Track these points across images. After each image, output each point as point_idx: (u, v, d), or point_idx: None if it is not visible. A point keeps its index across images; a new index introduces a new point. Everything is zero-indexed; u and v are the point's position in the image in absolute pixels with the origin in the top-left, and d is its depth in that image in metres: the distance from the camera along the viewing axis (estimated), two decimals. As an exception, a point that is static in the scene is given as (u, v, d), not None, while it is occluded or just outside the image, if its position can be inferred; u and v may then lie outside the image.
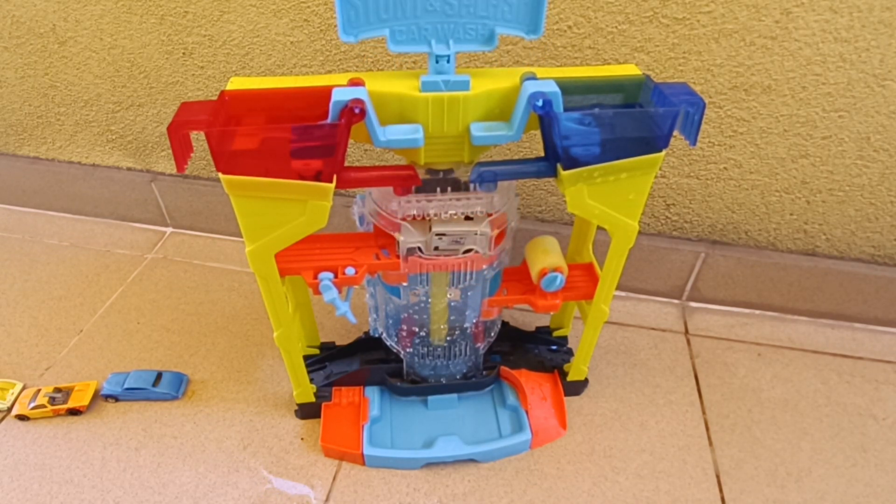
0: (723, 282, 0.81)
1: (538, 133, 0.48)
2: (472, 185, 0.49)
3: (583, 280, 0.61)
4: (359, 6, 0.41)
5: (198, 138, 0.78)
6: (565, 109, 0.44)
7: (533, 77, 0.45)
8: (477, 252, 0.53)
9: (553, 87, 0.43)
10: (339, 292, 0.53)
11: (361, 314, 0.75)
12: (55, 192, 0.99)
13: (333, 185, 0.45)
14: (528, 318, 0.80)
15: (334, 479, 0.62)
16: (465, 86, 0.43)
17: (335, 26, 0.69)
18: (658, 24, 0.62)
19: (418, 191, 0.50)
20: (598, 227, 0.58)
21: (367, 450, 0.62)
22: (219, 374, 0.74)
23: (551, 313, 0.76)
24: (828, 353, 0.77)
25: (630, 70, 0.49)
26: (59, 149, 0.95)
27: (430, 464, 0.63)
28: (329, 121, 0.42)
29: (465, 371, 0.68)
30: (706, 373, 0.74)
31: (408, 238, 0.51)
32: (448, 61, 0.43)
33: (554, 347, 0.74)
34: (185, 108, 0.44)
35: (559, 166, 0.46)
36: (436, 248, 0.52)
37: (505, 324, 0.72)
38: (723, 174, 0.72)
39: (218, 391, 0.72)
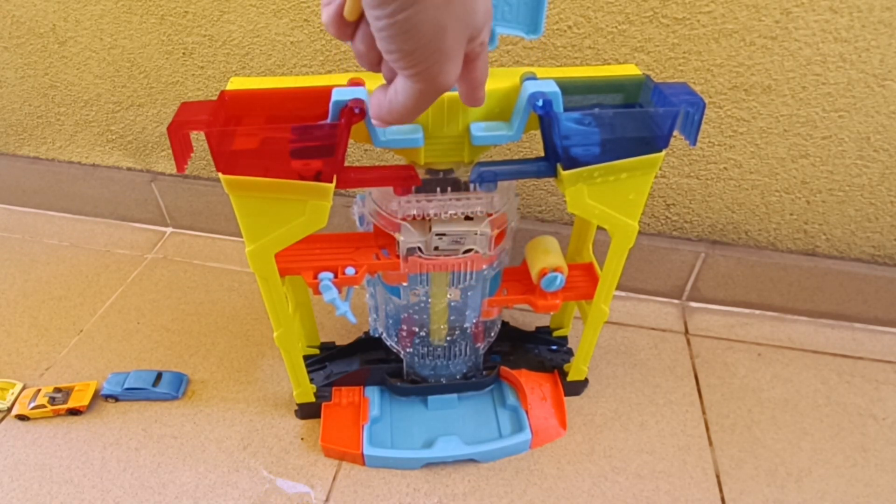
0: (723, 282, 0.81)
1: (538, 133, 0.48)
2: (472, 185, 0.49)
3: (583, 280, 0.61)
4: (359, 6, 0.41)
5: (198, 138, 0.78)
6: (565, 109, 0.44)
7: (533, 77, 0.45)
8: (477, 252, 0.53)
9: (553, 87, 0.43)
10: (339, 292, 0.53)
11: (361, 314, 0.75)
12: (55, 192, 0.99)
13: (333, 185, 0.45)
14: (528, 318, 0.80)
15: (334, 479, 0.62)
16: (465, 86, 0.43)
17: None
18: (658, 24, 0.62)
19: (418, 191, 0.50)
20: (598, 227, 0.58)
21: (367, 450, 0.62)
22: (219, 374, 0.74)
23: (551, 313, 0.76)
24: (828, 353, 0.77)
25: (630, 70, 0.49)
26: (59, 149, 0.95)
27: (430, 464, 0.63)
28: (329, 121, 0.42)
29: (465, 371, 0.68)
30: (706, 373, 0.74)
31: (408, 238, 0.51)
32: (448, 61, 0.43)
33: (554, 347, 0.74)
34: (185, 108, 0.44)
35: (559, 166, 0.46)
36: (436, 248, 0.52)
37: (505, 324, 0.72)
38: (723, 174, 0.72)
39: (218, 391, 0.72)
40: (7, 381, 0.71)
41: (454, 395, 0.68)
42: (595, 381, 0.72)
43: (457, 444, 0.63)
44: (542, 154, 0.48)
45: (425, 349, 0.64)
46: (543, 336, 0.75)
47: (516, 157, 0.74)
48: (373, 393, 0.67)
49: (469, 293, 0.58)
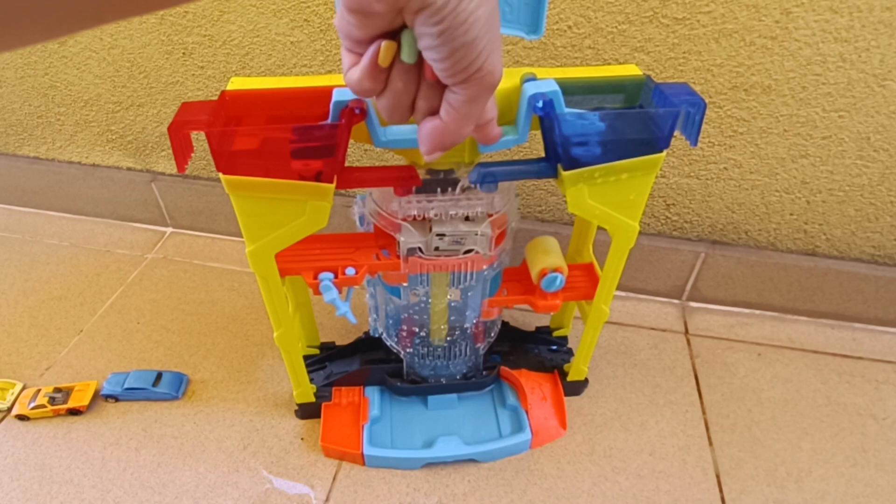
0: (723, 282, 0.81)
1: (538, 133, 0.48)
2: (472, 186, 0.49)
3: (583, 280, 0.61)
4: (359, 6, 0.41)
5: (198, 138, 0.78)
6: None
7: (533, 78, 0.45)
8: (477, 252, 0.53)
9: (553, 87, 0.43)
10: (340, 292, 0.53)
11: (361, 314, 0.75)
12: (55, 192, 0.99)
13: (334, 185, 0.45)
14: (528, 318, 0.80)
15: (334, 479, 0.62)
16: (465, 86, 0.43)
17: (335, 26, 0.69)
18: (658, 24, 0.62)
19: (419, 191, 0.50)
20: (599, 227, 0.58)
21: (367, 450, 0.62)
22: (219, 374, 0.74)
23: (551, 313, 0.76)
24: (828, 353, 0.77)
25: (631, 70, 0.49)
26: (59, 149, 0.95)
27: (430, 464, 0.63)
28: (329, 121, 0.42)
29: (465, 371, 0.68)
30: (706, 373, 0.74)
31: (408, 238, 0.51)
32: (448, 61, 0.43)
33: (554, 347, 0.74)
34: (186, 108, 0.44)
35: (560, 167, 0.46)
36: (436, 249, 0.52)
37: (505, 324, 0.72)
38: (723, 174, 0.72)
39: (218, 391, 0.72)
40: (7, 381, 0.71)
41: (454, 395, 0.68)
42: (595, 381, 0.72)
43: (457, 444, 0.63)
44: (543, 154, 0.48)
45: (425, 349, 0.64)
46: (543, 336, 0.75)
47: (517, 158, 0.74)
48: (373, 393, 0.67)
49: (469, 293, 0.58)
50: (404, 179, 0.48)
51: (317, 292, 0.52)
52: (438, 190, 0.50)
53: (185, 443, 0.66)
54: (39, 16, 0.19)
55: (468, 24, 0.26)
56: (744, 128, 0.67)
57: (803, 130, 0.66)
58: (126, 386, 0.69)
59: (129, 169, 0.94)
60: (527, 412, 0.66)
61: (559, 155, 0.45)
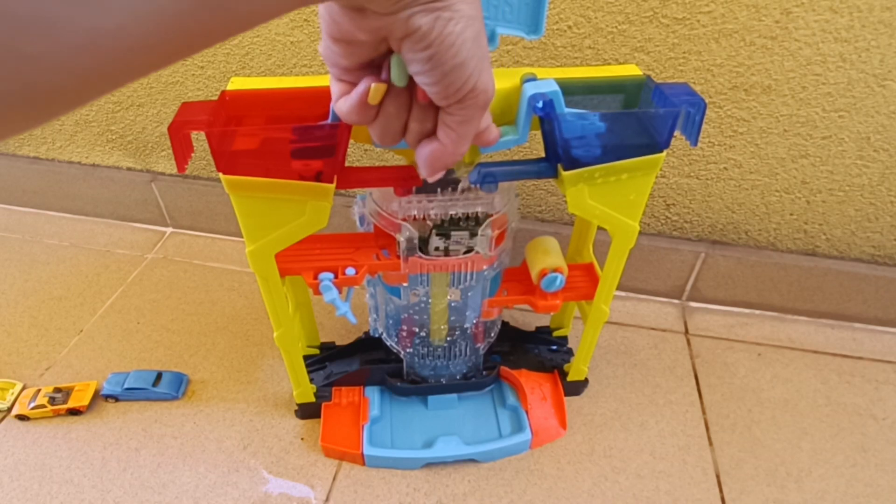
0: (723, 282, 0.81)
1: (538, 133, 0.48)
2: (472, 186, 0.49)
3: (583, 280, 0.61)
4: (359, 6, 0.41)
5: (198, 138, 0.78)
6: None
7: (533, 78, 0.45)
8: (477, 252, 0.53)
9: (553, 87, 0.43)
10: (340, 292, 0.53)
11: (361, 314, 0.75)
12: (55, 192, 0.99)
13: (334, 185, 0.45)
14: (528, 318, 0.80)
15: (334, 479, 0.62)
16: (465, 86, 0.43)
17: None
18: (658, 24, 0.62)
19: (419, 191, 0.50)
20: (599, 227, 0.58)
21: (367, 450, 0.62)
22: (219, 374, 0.74)
23: (551, 313, 0.76)
24: (828, 353, 0.77)
25: (631, 70, 0.49)
26: (59, 149, 0.95)
27: (430, 464, 0.63)
28: (329, 121, 0.42)
29: (465, 371, 0.68)
30: (706, 373, 0.74)
31: (410, 234, 0.51)
32: (448, 62, 0.43)
33: (554, 347, 0.74)
34: (186, 108, 0.44)
35: (560, 167, 0.46)
36: (436, 249, 0.52)
37: (505, 324, 0.72)
38: (723, 174, 0.72)
39: (218, 391, 0.72)
40: (7, 381, 0.71)
41: (454, 395, 0.68)
42: (595, 381, 0.72)
43: (457, 444, 0.63)
44: (543, 154, 0.48)
45: (425, 349, 0.64)
46: (543, 336, 0.75)
47: (517, 158, 0.74)
48: (373, 393, 0.67)
49: (469, 293, 0.58)
50: (404, 179, 0.48)
51: (317, 292, 0.52)
52: (438, 190, 0.50)
53: (185, 443, 0.66)
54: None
55: (456, 46, 0.26)
56: (744, 128, 0.67)
57: (803, 130, 0.66)
58: (126, 386, 0.69)
59: (129, 169, 0.94)
60: (527, 412, 0.66)
61: (559, 155, 0.45)
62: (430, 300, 0.58)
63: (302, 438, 0.66)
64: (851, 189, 0.70)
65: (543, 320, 0.77)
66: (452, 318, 0.60)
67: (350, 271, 0.52)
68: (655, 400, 0.71)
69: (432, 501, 0.60)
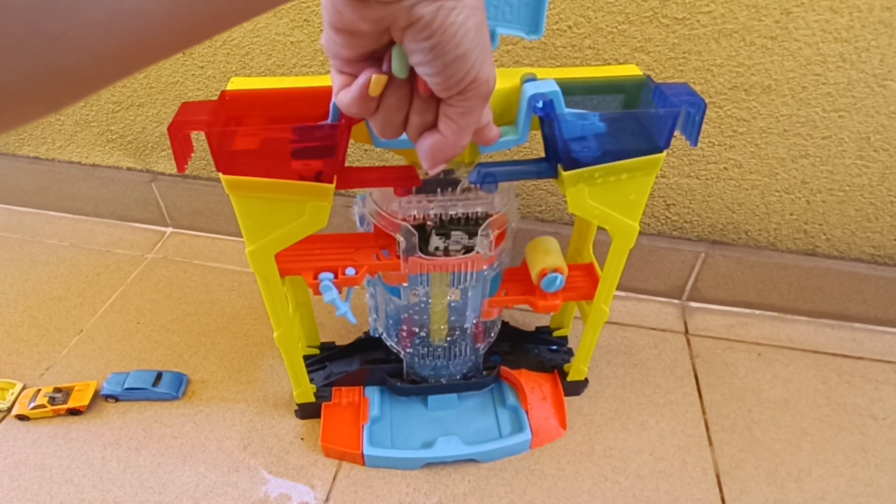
0: (723, 282, 0.81)
1: (538, 133, 0.48)
2: (472, 186, 0.49)
3: (583, 280, 0.61)
4: (359, 6, 0.41)
5: (198, 138, 0.78)
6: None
7: (533, 78, 0.45)
8: (478, 252, 0.53)
9: (553, 87, 0.43)
10: (340, 292, 0.53)
11: (361, 314, 0.75)
12: (55, 192, 0.99)
13: (334, 185, 0.45)
14: (528, 318, 0.80)
15: (334, 479, 0.62)
16: (465, 86, 0.43)
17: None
18: (658, 24, 0.62)
19: (419, 191, 0.50)
20: (599, 227, 0.58)
21: (367, 450, 0.62)
22: (219, 374, 0.74)
23: (551, 313, 0.76)
24: (828, 353, 0.77)
25: (631, 70, 0.49)
26: (59, 149, 0.95)
27: (430, 464, 0.63)
28: (329, 121, 0.42)
29: (465, 371, 0.68)
30: (706, 373, 0.74)
31: (409, 236, 0.51)
32: (448, 62, 0.43)
33: (554, 347, 0.74)
34: (186, 108, 0.44)
35: (560, 167, 0.46)
36: (436, 249, 0.52)
37: (505, 324, 0.72)
38: (723, 174, 0.72)
39: (218, 391, 0.72)
40: (7, 381, 0.71)
41: (454, 395, 0.68)
42: (595, 381, 0.72)
43: (457, 444, 0.63)
44: (543, 154, 0.48)
45: (425, 349, 0.64)
46: (543, 336, 0.75)
47: (517, 158, 0.74)
48: (373, 393, 0.67)
49: (469, 293, 0.58)
50: (404, 179, 0.48)
51: (317, 292, 0.52)
52: (438, 190, 0.50)
53: (185, 443, 0.66)
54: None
55: (458, 36, 0.26)
56: (744, 128, 0.67)
57: (803, 130, 0.66)
58: (126, 386, 0.69)
59: (129, 169, 0.94)
60: (527, 412, 0.66)
61: (559, 155, 0.45)
62: (430, 300, 0.58)
63: (302, 438, 0.66)
64: (851, 189, 0.70)
65: (543, 320, 0.77)
66: (452, 318, 0.60)
67: (350, 271, 0.52)
68: (655, 400, 0.71)
69: (432, 501, 0.60)
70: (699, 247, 0.78)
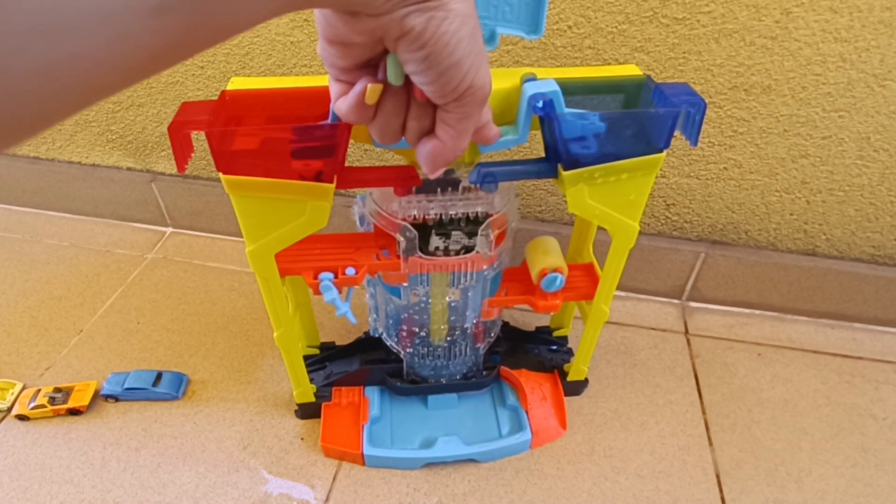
0: (723, 282, 0.81)
1: (538, 133, 0.48)
2: (472, 186, 0.49)
3: (583, 280, 0.61)
4: (359, 6, 0.41)
5: (198, 138, 0.78)
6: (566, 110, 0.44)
7: (533, 78, 0.45)
8: (478, 252, 0.53)
9: (553, 87, 0.43)
10: (340, 292, 0.53)
11: (361, 314, 0.75)
12: (55, 192, 0.99)
13: (334, 185, 0.45)
14: (528, 318, 0.80)
15: (334, 479, 0.62)
16: (465, 86, 0.43)
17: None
18: (658, 24, 0.62)
19: (419, 191, 0.50)
20: (599, 227, 0.58)
21: (367, 450, 0.62)
22: (219, 374, 0.74)
23: (551, 313, 0.76)
24: (828, 353, 0.77)
25: (631, 70, 0.49)
26: (59, 149, 0.95)
27: (430, 464, 0.63)
28: (329, 121, 0.42)
29: (465, 371, 0.68)
30: (706, 373, 0.74)
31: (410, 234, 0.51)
32: (448, 61, 0.43)
33: (554, 347, 0.74)
34: (186, 108, 0.44)
35: (560, 167, 0.46)
36: (436, 249, 0.52)
37: (505, 324, 0.72)
38: (723, 174, 0.72)
39: (218, 391, 0.72)
40: (7, 381, 0.71)
41: (454, 395, 0.68)
42: (595, 381, 0.72)
43: (457, 444, 0.63)
44: (543, 154, 0.48)
45: (425, 349, 0.64)
46: (543, 336, 0.75)
47: (517, 158, 0.74)
48: (373, 393, 0.67)
49: (469, 293, 0.58)
50: (404, 179, 0.48)
51: (317, 292, 0.52)
52: (438, 190, 0.50)
53: (185, 443, 0.66)
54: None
55: (451, 45, 0.26)
56: (744, 128, 0.67)
57: (803, 130, 0.66)
58: (126, 386, 0.69)
59: (129, 169, 0.94)
60: (527, 412, 0.66)
61: (559, 155, 0.45)
62: (430, 300, 0.58)
63: (302, 438, 0.66)
64: (851, 189, 0.70)
65: (543, 320, 0.77)
66: (452, 318, 0.60)
67: (350, 271, 0.52)
68: (655, 400, 0.71)
69: (432, 501, 0.60)
70: (699, 247, 0.78)
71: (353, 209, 0.56)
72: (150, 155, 0.91)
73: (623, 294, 0.85)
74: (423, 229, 0.51)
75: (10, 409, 0.69)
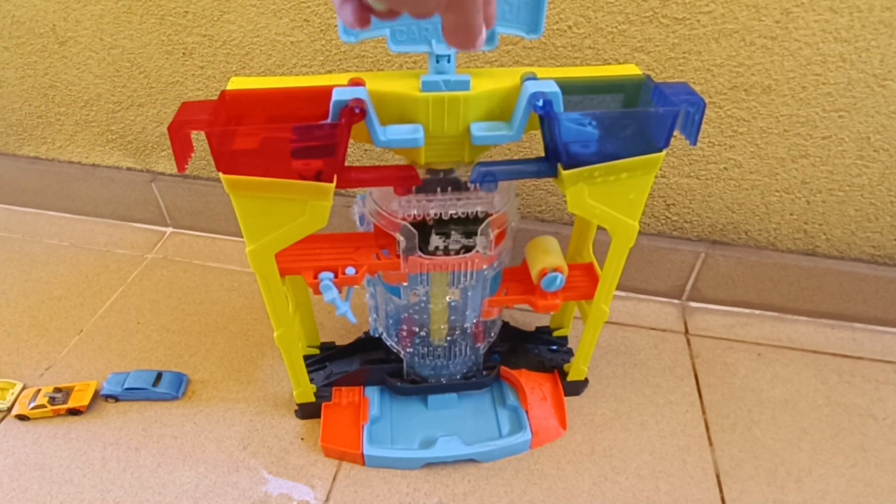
0: (723, 282, 0.81)
1: (538, 133, 0.48)
2: (472, 185, 0.49)
3: (583, 280, 0.61)
4: (359, 6, 0.41)
5: (198, 138, 0.78)
6: (566, 109, 0.44)
7: (533, 77, 0.45)
8: (478, 252, 0.53)
9: (553, 87, 0.43)
10: (340, 292, 0.53)
11: (361, 314, 0.75)
12: (55, 192, 0.99)
13: (334, 185, 0.45)
14: (528, 318, 0.80)
15: (334, 479, 0.62)
16: (465, 86, 0.43)
17: (335, 26, 0.69)
18: (658, 24, 0.62)
19: (419, 191, 0.50)
20: (599, 227, 0.58)
21: (367, 450, 0.62)
22: (219, 374, 0.74)
23: (551, 313, 0.76)
24: (828, 353, 0.77)
25: (630, 70, 0.49)
26: (59, 149, 0.95)
27: (430, 464, 0.63)
28: (329, 121, 0.42)
29: (465, 371, 0.68)
30: (706, 373, 0.74)
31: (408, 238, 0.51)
32: (448, 61, 0.43)
33: (554, 347, 0.74)
34: (186, 107, 0.44)
35: (560, 166, 0.46)
36: (436, 248, 0.52)
37: (505, 324, 0.72)
38: (723, 174, 0.72)
39: (218, 391, 0.72)
40: (7, 381, 0.71)
41: (454, 395, 0.68)
42: (595, 381, 0.72)
43: (457, 444, 0.63)
44: (543, 154, 0.48)
45: (425, 349, 0.64)
46: (543, 336, 0.75)
47: (516, 157, 0.74)
48: (373, 393, 0.67)
49: (469, 293, 0.58)
50: (404, 179, 0.48)
51: (317, 292, 0.52)
52: (438, 189, 0.50)
53: (185, 443, 0.66)
54: None
55: None
56: (744, 128, 0.67)
57: (803, 130, 0.66)
58: (126, 386, 0.69)
59: (129, 169, 0.94)
60: (527, 412, 0.66)
61: (559, 154, 0.45)
62: (429, 300, 0.58)
63: (302, 438, 0.66)
64: (851, 189, 0.70)
65: (543, 320, 0.77)
66: (452, 318, 0.60)
67: (350, 271, 0.52)
68: (655, 400, 0.71)
69: (432, 501, 0.60)
70: (699, 247, 0.78)
71: (353, 209, 0.56)
72: (150, 155, 0.91)
73: (623, 294, 0.85)
74: (423, 229, 0.51)
75: (10, 409, 0.69)
